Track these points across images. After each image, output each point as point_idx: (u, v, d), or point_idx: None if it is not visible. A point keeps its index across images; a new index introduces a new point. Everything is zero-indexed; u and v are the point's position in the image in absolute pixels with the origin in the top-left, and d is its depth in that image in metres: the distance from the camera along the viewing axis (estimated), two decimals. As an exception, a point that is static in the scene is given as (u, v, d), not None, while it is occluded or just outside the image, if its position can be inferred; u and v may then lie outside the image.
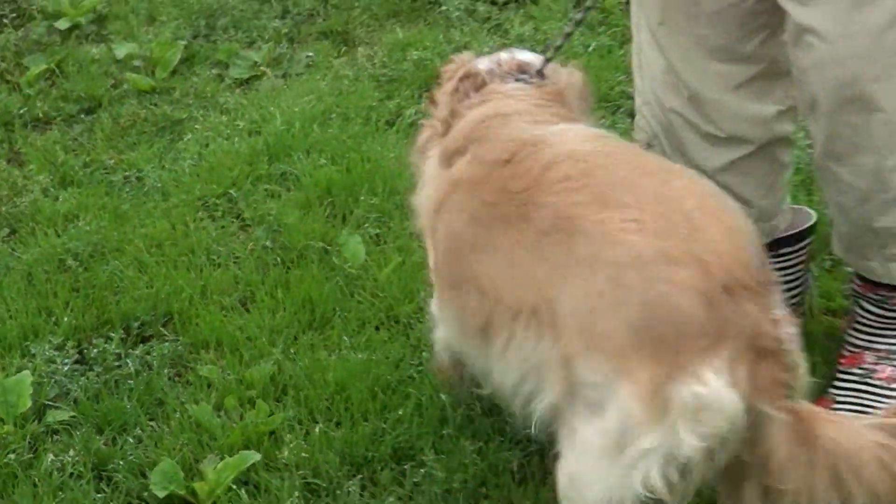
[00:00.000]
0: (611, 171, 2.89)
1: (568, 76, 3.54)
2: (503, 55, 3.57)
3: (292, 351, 3.79)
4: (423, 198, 3.32)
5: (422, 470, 3.36)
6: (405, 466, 3.40)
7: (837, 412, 3.22)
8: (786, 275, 3.76)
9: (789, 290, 3.74)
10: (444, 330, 3.31)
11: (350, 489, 3.32)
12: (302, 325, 3.89)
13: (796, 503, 2.68)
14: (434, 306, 3.36)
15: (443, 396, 3.55)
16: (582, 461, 2.76)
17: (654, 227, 2.69)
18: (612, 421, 2.64)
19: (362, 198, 4.38)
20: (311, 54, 5.36)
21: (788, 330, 2.71)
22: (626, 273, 2.64)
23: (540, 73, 3.47)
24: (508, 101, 3.33)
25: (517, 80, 3.45)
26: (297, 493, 3.29)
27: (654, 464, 2.61)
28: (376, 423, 3.51)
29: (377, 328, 3.87)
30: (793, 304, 3.72)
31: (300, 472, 3.37)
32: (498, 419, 3.50)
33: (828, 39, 3.12)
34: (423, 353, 3.74)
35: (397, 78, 5.12)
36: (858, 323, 3.58)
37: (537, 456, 3.45)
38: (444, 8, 5.61)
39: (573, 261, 2.73)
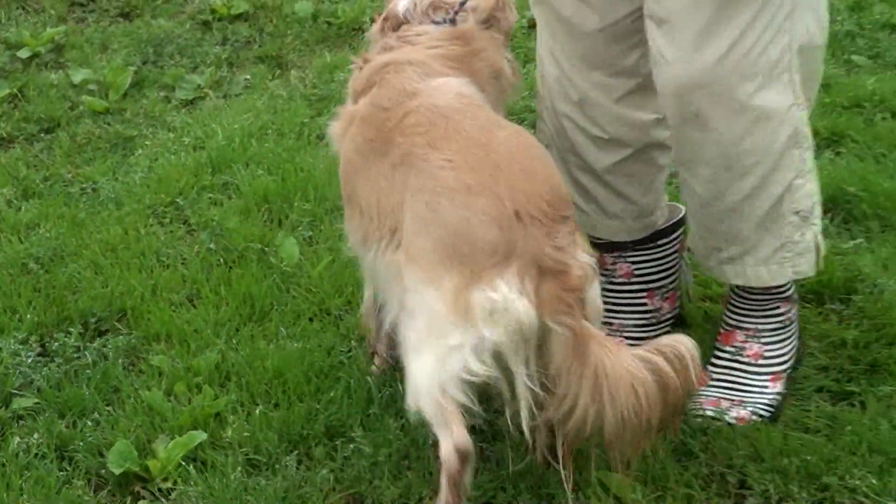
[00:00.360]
0: (450, 122, 3.14)
1: (479, 14, 3.62)
2: None
3: (234, 341, 3.78)
4: (334, 126, 3.50)
5: (351, 445, 3.36)
6: (336, 442, 3.39)
7: (616, 337, 3.33)
8: (663, 263, 3.83)
9: (668, 276, 3.84)
10: (350, 238, 3.43)
11: (287, 464, 3.31)
12: (243, 318, 3.89)
13: (563, 409, 2.93)
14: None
15: (369, 379, 3.55)
16: (409, 361, 3.03)
17: (465, 165, 3.00)
18: (423, 321, 2.96)
19: (296, 204, 4.39)
20: (248, 77, 5.36)
21: (578, 258, 2.96)
22: (438, 201, 2.96)
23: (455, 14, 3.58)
24: (408, 50, 3.49)
25: (432, 21, 3.57)
26: (240, 469, 3.28)
27: (465, 356, 2.89)
28: (310, 405, 3.50)
29: (311, 319, 3.87)
30: (672, 290, 3.84)
31: (243, 449, 3.37)
32: (419, 398, 3.51)
33: (672, 64, 3.26)
34: (352, 342, 3.75)
35: (326, 97, 5.13)
36: (730, 304, 3.63)
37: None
38: (366, 34, 5.62)
39: (408, 190, 3.06)
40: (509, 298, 2.88)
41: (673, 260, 3.84)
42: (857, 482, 3.21)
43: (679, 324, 3.80)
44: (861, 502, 3.18)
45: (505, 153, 3.08)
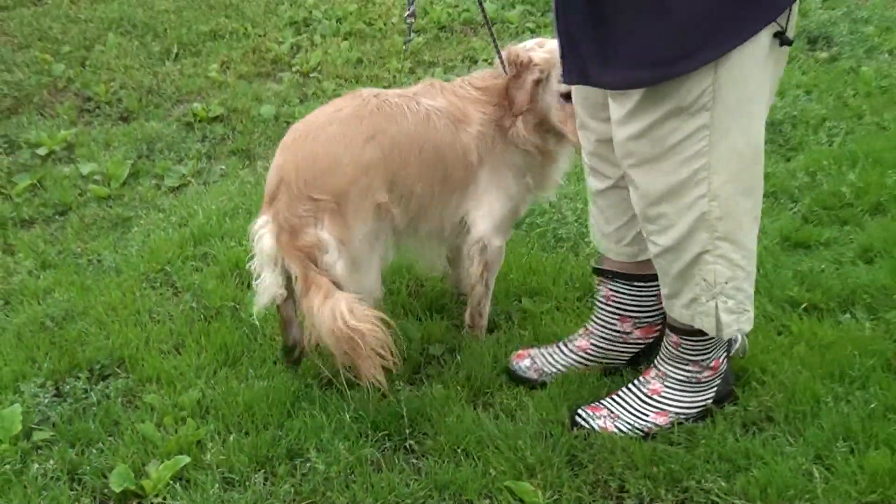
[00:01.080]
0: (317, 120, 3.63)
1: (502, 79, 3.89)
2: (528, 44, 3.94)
3: (213, 382, 3.76)
4: None
5: (308, 464, 3.36)
6: (296, 462, 3.40)
7: (336, 289, 3.50)
8: (639, 300, 3.80)
9: (643, 311, 3.82)
10: None
11: (256, 480, 3.31)
12: (219, 363, 3.86)
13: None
14: None
15: (322, 412, 3.56)
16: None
17: (287, 150, 3.58)
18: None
19: (262, 269, 4.38)
20: (223, 167, 5.36)
21: (310, 230, 3.49)
22: (271, 171, 3.62)
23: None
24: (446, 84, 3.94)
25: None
26: (217, 485, 3.28)
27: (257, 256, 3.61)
28: (275, 432, 3.50)
29: (274, 363, 3.86)
30: (648, 322, 3.83)
31: (219, 469, 3.35)
32: (362, 425, 3.51)
33: (616, 135, 3.24)
34: (309, 379, 3.74)
35: (286, 182, 5.12)
36: (661, 348, 3.62)
37: (391, 451, 3.47)
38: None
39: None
40: (260, 229, 3.57)
41: (649, 300, 3.77)
42: (711, 485, 3.25)
43: (649, 352, 3.80)
44: (714, 501, 3.21)
45: (324, 138, 3.54)
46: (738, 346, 3.68)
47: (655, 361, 3.63)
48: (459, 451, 3.43)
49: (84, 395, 3.72)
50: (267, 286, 3.59)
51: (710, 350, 3.50)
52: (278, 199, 3.52)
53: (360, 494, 3.27)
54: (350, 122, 3.58)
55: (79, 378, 3.80)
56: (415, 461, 3.44)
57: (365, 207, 3.55)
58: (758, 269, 4.11)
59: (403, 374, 3.75)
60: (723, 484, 3.25)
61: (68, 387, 3.76)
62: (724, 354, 3.55)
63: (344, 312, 3.36)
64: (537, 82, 3.77)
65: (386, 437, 3.50)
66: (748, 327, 3.36)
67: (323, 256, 3.50)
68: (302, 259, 3.49)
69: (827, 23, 6.53)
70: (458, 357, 3.87)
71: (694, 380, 3.54)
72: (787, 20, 3.01)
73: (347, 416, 3.53)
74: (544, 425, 3.51)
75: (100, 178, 5.48)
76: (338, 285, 3.48)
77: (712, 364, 3.53)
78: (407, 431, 3.50)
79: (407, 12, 3.93)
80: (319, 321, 3.39)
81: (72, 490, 3.31)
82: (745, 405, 3.57)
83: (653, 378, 3.60)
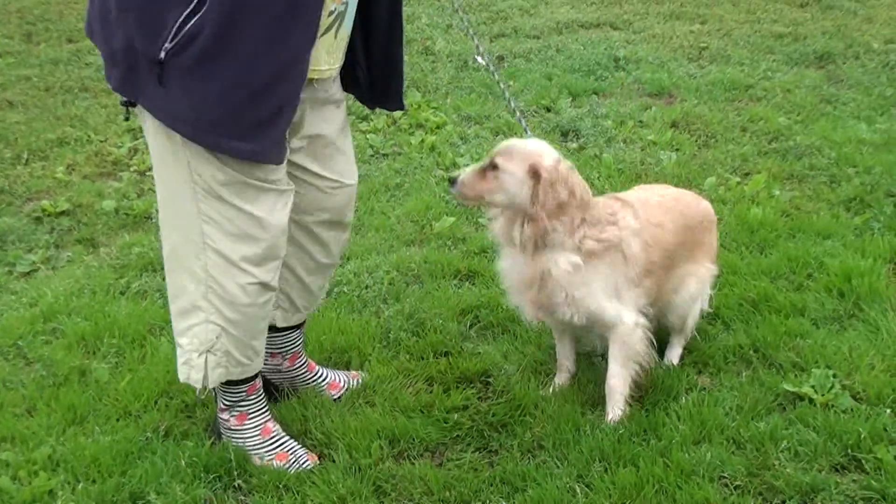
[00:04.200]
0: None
1: None
2: None
3: (62, 439, 3.64)
4: None
5: (148, 505, 3.29)
6: (138, 504, 3.32)
7: None
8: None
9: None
10: None
11: (102, 522, 3.22)
12: (68, 422, 3.74)
13: None
14: None
15: (161, 460, 3.48)
16: None
17: None
18: None
19: (105, 340, 4.27)
20: (70, 254, 5.21)
21: None
22: None
23: None
24: None
25: None
26: (68, 529, 3.19)
27: None
28: (118, 479, 3.40)
29: (118, 420, 3.76)
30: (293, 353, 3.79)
31: (70, 515, 3.26)
32: (196, 469, 3.44)
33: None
34: (148, 433, 3.65)
35: (126, 265, 5.02)
36: None
37: (222, 490, 3.41)
38: (153, 220, 5.56)
39: None
40: None
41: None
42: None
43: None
44: (498, 516, 3.24)
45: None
46: None
47: None
48: (281, 486, 3.38)
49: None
50: None
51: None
52: None
53: (197, 529, 3.21)
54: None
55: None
56: (243, 498, 3.38)
57: None
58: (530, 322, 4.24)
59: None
60: (504, 503, 3.29)
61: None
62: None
63: None
64: None
65: (217, 479, 3.43)
66: None
67: None
68: None
69: (575, 118, 6.76)
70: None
71: (226, 426, 3.58)
72: None
73: (183, 462, 3.45)
74: (353, 460, 3.49)
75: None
76: None
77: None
78: (235, 472, 3.44)
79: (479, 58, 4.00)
80: None
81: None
82: (521, 436, 3.61)
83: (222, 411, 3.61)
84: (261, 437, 3.53)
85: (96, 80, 8.02)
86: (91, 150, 6.59)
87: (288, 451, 3.52)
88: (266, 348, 3.58)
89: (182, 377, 3.39)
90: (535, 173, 3.39)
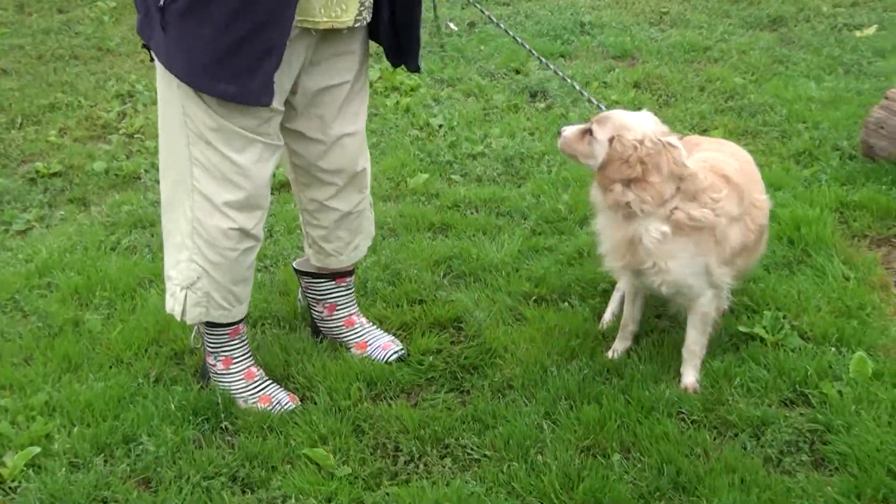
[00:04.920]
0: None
1: None
2: None
3: (58, 386, 3.64)
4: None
5: (141, 447, 3.30)
6: (131, 446, 3.32)
7: None
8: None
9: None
10: None
11: (97, 463, 3.24)
12: (63, 370, 3.74)
13: None
14: None
15: (151, 404, 3.50)
16: None
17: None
18: None
19: (97, 293, 4.26)
20: (63, 213, 5.19)
21: None
22: None
23: None
24: None
25: None
26: (64, 469, 3.19)
27: None
28: (112, 423, 3.41)
29: (110, 367, 3.76)
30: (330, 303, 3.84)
31: (66, 456, 3.27)
32: (185, 412, 3.45)
33: None
34: (139, 380, 3.66)
35: (116, 223, 5.00)
36: None
37: (210, 431, 3.42)
38: (142, 180, 5.53)
39: None
40: None
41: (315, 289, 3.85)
42: (467, 441, 3.31)
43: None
44: (469, 454, 3.26)
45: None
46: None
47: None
48: (265, 427, 3.40)
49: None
50: None
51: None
52: None
53: (186, 468, 3.22)
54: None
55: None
56: (229, 438, 3.39)
57: None
58: (500, 271, 4.25)
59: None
60: (476, 440, 3.31)
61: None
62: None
63: None
64: None
65: (205, 421, 3.44)
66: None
67: None
68: None
69: (543, 80, 6.76)
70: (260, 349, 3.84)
71: (210, 371, 3.62)
72: None
73: (172, 406, 3.47)
74: (333, 402, 3.51)
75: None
76: None
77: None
78: (222, 415, 3.46)
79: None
80: None
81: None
82: (491, 377, 3.63)
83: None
84: (245, 381, 3.54)
85: (86, 49, 8.02)
86: (81, 114, 6.56)
87: (270, 394, 3.53)
88: (309, 294, 3.82)
89: (167, 308, 3.43)
90: (613, 144, 3.31)
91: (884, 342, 3.71)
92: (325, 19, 3.17)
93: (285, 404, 3.50)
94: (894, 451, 3.11)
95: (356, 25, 3.27)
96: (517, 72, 7.03)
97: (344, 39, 3.33)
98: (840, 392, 3.40)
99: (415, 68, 3.54)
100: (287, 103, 3.33)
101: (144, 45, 3.19)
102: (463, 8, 8.53)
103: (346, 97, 3.44)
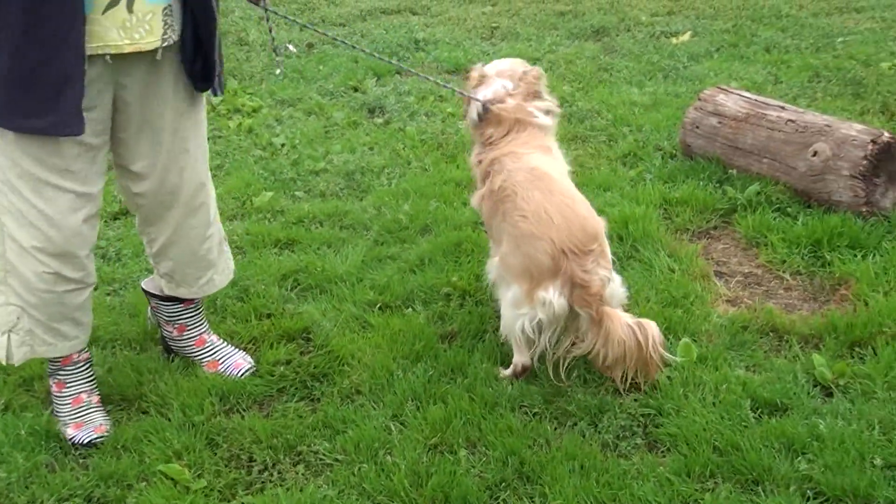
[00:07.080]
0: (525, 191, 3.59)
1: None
2: None
3: None
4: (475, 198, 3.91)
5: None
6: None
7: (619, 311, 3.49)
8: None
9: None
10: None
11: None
12: None
13: (587, 349, 3.46)
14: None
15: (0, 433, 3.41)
16: (503, 308, 3.60)
17: (550, 227, 3.42)
18: (511, 295, 3.51)
19: None
20: None
21: (598, 274, 3.40)
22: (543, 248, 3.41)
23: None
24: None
25: None
26: None
27: (526, 319, 3.45)
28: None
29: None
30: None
31: None
32: (37, 437, 3.38)
33: None
34: None
35: None
36: None
37: (63, 454, 3.36)
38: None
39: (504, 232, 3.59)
40: (554, 297, 3.39)
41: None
42: (318, 447, 3.34)
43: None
44: (321, 459, 3.30)
45: (555, 210, 3.45)
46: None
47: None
48: (119, 447, 3.36)
49: None
50: (546, 341, 3.52)
51: None
52: (562, 266, 3.38)
53: (39, 492, 3.16)
54: (553, 184, 3.61)
55: None
56: (83, 460, 3.34)
57: None
58: (345, 281, 4.28)
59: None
60: (327, 445, 3.34)
61: None
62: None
63: (655, 333, 3.42)
64: None
65: (58, 445, 3.39)
66: None
67: (606, 290, 3.44)
68: (590, 303, 3.39)
69: (381, 96, 6.83)
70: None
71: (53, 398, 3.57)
72: None
73: (23, 432, 3.39)
74: (187, 417, 3.49)
75: None
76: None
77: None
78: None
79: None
80: (612, 339, 3.37)
81: None
82: (340, 384, 3.66)
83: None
84: (70, 406, 3.49)
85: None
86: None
87: (85, 421, 3.47)
88: (158, 314, 3.80)
89: None
90: None
91: (706, 328, 3.88)
92: (127, 42, 3.04)
93: (89, 432, 3.43)
94: (719, 429, 3.27)
95: (164, 45, 3.15)
96: (355, 89, 7.08)
97: (157, 64, 3.20)
98: (669, 377, 3.55)
99: (218, 91, 3.41)
100: (113, 139, 3.27)
101: None
102: (301, 30, 8.54)
103: (173, 124, 3.33)
